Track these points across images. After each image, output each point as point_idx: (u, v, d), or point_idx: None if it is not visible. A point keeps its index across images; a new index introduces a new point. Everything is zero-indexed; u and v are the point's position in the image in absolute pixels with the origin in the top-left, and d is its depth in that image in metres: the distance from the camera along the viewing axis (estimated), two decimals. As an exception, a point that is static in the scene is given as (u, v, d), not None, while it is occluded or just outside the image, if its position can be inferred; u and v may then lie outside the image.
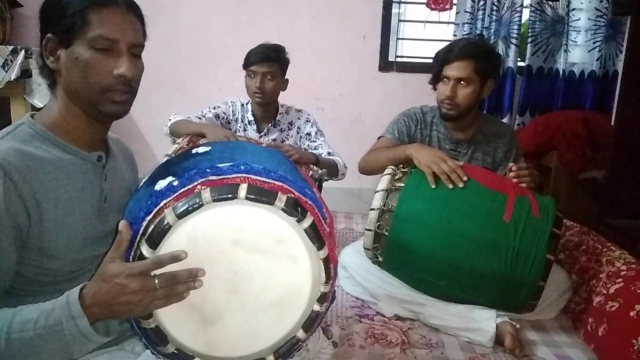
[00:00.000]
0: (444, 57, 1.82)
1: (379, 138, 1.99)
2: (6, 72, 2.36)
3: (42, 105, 2.29)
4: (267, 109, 2.14)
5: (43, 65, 0.95)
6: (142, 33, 0.98)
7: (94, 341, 0.80)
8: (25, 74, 2.41)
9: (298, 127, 2.19)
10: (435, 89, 1.90)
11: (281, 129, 2.18)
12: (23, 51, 2.38)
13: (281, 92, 2.14)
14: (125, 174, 1.12)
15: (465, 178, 1.57)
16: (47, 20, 0.93)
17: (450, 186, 1.57)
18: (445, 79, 1.82)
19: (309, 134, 2.18)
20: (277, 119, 2.16)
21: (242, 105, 2.19)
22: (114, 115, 0.97)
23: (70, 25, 0.89)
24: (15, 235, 0.84)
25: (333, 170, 2.05)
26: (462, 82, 1.79)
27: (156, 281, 0.77)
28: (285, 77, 2.14)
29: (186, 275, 0.79)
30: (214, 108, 2.13)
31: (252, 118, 2.15)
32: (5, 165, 0.83)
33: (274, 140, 2.14)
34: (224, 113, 2.15)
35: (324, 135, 2.21)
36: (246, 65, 2.07)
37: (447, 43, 1.93)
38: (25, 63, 2.39)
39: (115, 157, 1.08)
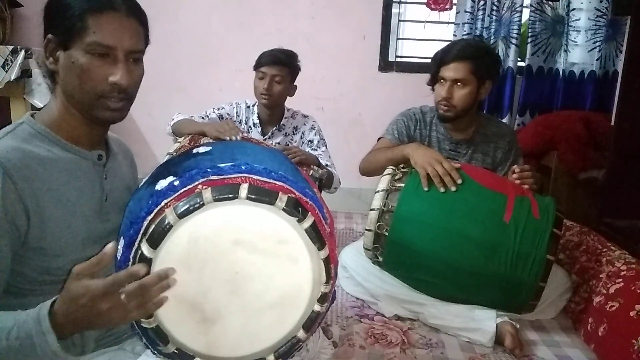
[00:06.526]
0: (441, 58, 1.81)
1: (378, 139, 1.99)
2: (6, 72, 2.36)
3: (42, 105, 2.30)
4: (273, 112, 2.14)
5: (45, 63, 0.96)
6: (142, 38, 0.96)
7: (64, 359, 0.78)
8: (25, 74, 2.40)
9: (302, 133, 2.19)
10: (433, 90, 1.90)
11: (285, 132, 2.18)
12: (23, 51, 2.38)
13: (288, 97, 2.15)
14: (125, 173, 1.12)
15: (459, 181, 1.56)
16: (49, 20, 0.93)
17: (442, 190, 1.56)
18: (442, 80, 1.82)
19: (311, 141, 2.18)
20: (282, 122, 2.16)
21: (248, 107, 2.18)
22: (109, 120, 0.97)
23: (69, 28, 0.88)
24: (13, 235, 0.84)
25: (328, 181, 2.03)
26: (458, 84, 1.79)
27: (122, 296, 0.75)
28: (294, 84, 2.14)
29: (154, 280, 0.77)
30: (218, 109, 2.13)
31: (258, 120, 2.15)
32: (5, 164, 0.83)
33: (278, 144, 2.13)
34: (228, 114, 2.14)
35: (326, 146, 2.20)
36: (257, 66, 2.07)
37: (447, 43, 1.93)
38: (25, 63, 2.39)
39: (115, 157, 1.08)
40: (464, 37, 2.93)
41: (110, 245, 0.77)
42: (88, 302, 0.75)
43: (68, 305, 0.76)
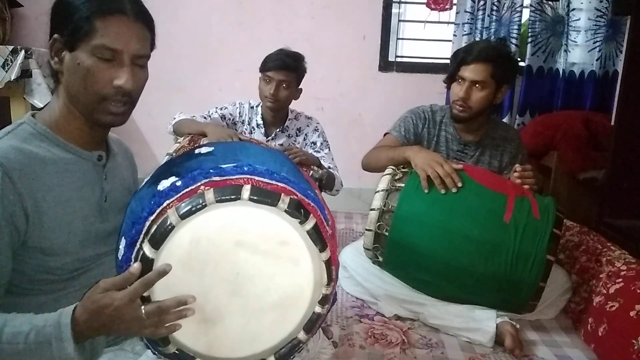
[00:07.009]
0: (462, 58, 1.79)
1: (385, 134, 1.97)
2: (6, 72, 2.36)
3: (42, 105, 2.30)
4: (277, 114, 2.12)
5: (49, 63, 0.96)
6: (149, 43, 0.96)
7: None
8: (25, 74, 2.40)
9: (306, 134, 2.18)
10: (448, 88, 1.89)
11: (289, 134, 2.17)
12: (23, 51, 2.38)
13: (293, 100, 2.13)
14: (125, 174, 1.12)
15: (460, 184, 1.56)
16: (56, 20, 0.92)
17: (443, 191, 1.56)
18: (460, 80, 1.80)
19: (314, 143, 2.17)
20: (285, 124, 2.15)
21: (252, 107, 2.15)
22: (110, 124, 0.97)
23: (76, 30, 0.88)
24: (12, 234, 0.85)
25: (329, 183, 2.02)
26: (477, 85, 1.77)
27: (143, 311, 0.78)
28: (300, 87, 2.12)
29: (173, 304, 0.80)
30: (221, 109, 2.10)
31: (262, 121, 2.13)
32: (4, 164, 0.84)
33: (281, 145, 2.13)
34: (231, 114, 2.12)
35: (329, 148, 2.18)
36: (263, 69, 2.04)
37: (448, 43, 1.92)
38: (25, 63, 2.39)
39: (115, 157, 1.08)
40: (464, 36, 2.94)
41: (135, 266, 0.79)
42: (113, 312, 0.78)
43: (91, 315, 0.79)
